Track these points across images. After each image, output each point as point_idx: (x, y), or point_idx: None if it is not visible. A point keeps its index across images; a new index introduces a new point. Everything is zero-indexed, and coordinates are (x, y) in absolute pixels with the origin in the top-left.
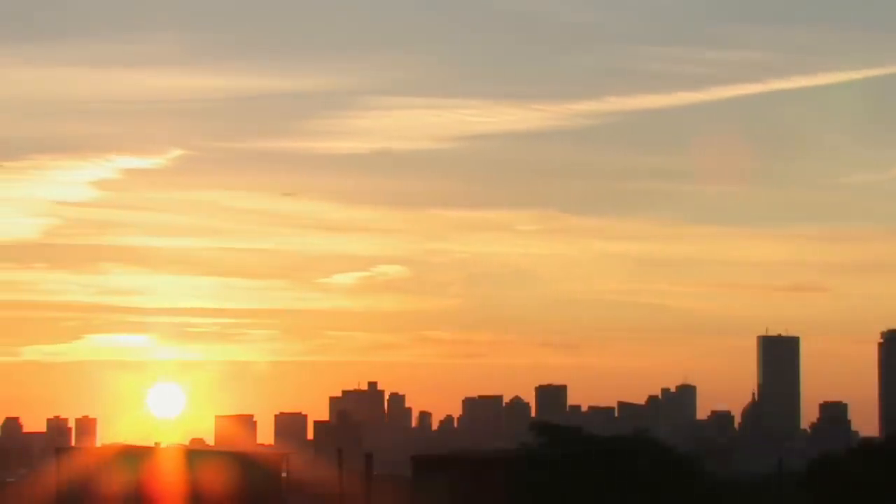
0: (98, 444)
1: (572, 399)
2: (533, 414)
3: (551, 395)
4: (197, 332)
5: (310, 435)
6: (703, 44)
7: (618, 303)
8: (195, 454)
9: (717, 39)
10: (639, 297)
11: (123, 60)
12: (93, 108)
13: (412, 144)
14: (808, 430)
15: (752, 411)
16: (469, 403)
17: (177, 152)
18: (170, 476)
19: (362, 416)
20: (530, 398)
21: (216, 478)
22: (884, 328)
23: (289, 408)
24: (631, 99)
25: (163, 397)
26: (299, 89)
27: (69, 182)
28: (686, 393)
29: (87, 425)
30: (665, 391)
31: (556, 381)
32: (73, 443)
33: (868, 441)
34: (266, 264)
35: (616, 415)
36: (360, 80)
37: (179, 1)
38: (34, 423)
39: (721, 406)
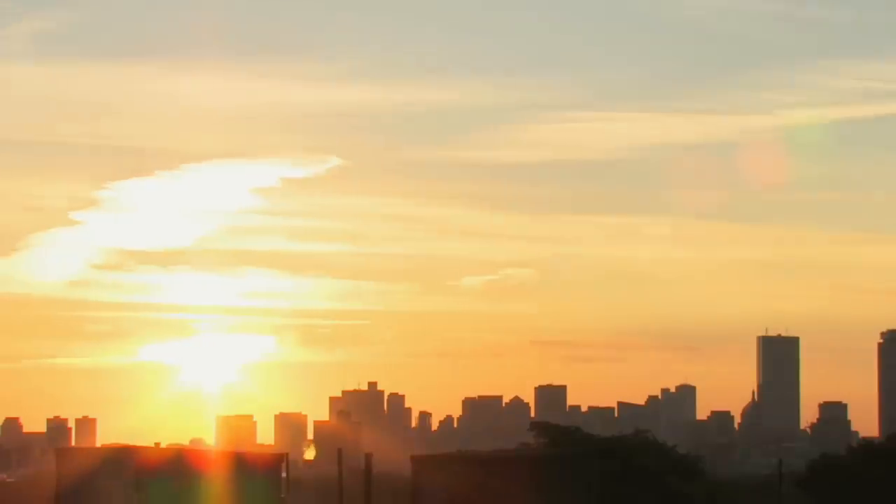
0: (98, 444)
1: (572, 399)
2: (532, 414)
3: (551, 395)
4: (322, 333)
5: (310, 435)
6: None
7: (737, 306)
8: (195, 454)
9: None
10: (758, 302)
11: (289, 74)
12: (258, 119)
13: (561, 155)
14: (808, 430)
15: (752, 411)
16: (469, 403)
17: (335, 161)
18: (169, 476)
19: (362, 416)
20: (530, 398)
21: (215, 478)
22: (884, 328)
23: (289, 408)
24: (789, 112)
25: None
26: (462, 103)
27: (229, 190)
28: (686, 393)
29: (86, 425)
30: (665, 391)
31: (556, 382)
32: (72, 443)
33: (868, 441)
34: (399, 268)
35: (616, 415)
36: (524, 95)
37: (350, 19)
38: (34, 423)
39: (721, 406)
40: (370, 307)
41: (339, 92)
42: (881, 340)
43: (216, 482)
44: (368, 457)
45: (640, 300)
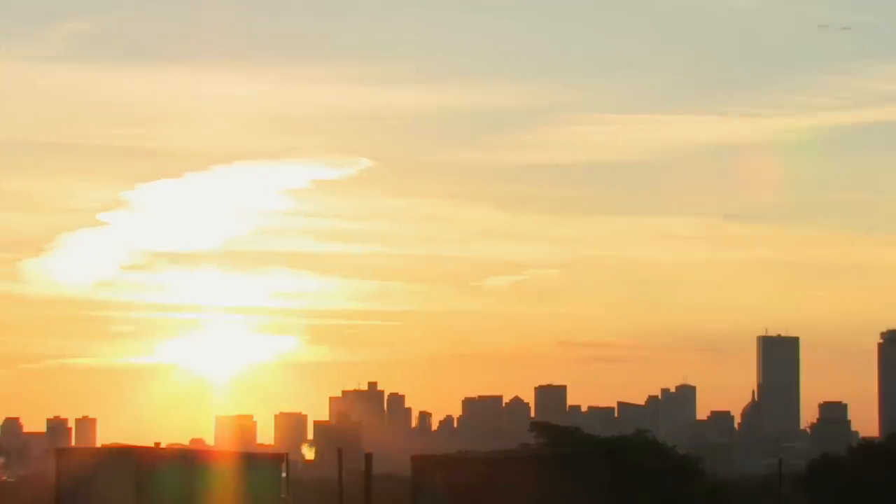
0: (98, 444)
1: (572, 399)
2: (532, 414)
3: (551, 395)
4: (348, 333)
5: (310, 435)
6: None
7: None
8: (196, 455)
9: None
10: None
11: (320, 77)
12: (288, 121)
13: (589, 157)
14: (808, 430)
15: (752, 411)
16: (469, 403)
17: (365, 163)
18: (169, 476)
19: (362, 416)
20: (530, 398)
21: (216, 478)
22: (884, 328)
23: (289, 408)
24: (833, 113)
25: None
26: (492, 106)
27: (259, 191)
28: (686, 393)
29: (87, 425)
30: (665, 391)
31: (556, 382)
32: (73, 443)
33: (868, 441)
34: (426, 268)
35: (616, 415)
36: (554, 98)
37: (383, 23)
38: (34, 423)
39: (721, 406)
40: (396, 307)
41: (370, 94)
42: (881, 340)
43: (221, 479)
44: (368, 457)
45: (666, 301)
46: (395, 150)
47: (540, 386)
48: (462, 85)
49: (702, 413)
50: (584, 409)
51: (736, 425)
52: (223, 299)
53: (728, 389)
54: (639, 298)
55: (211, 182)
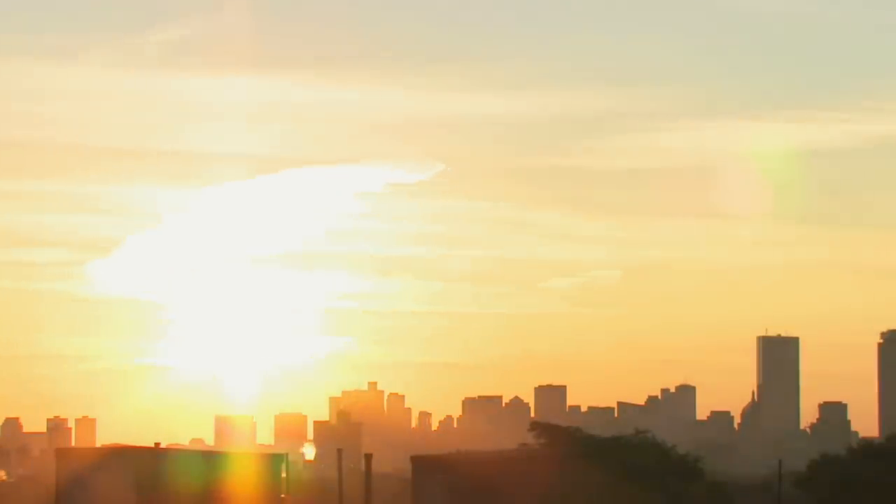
0: (98, 444)
1: (572, 399)
2: (532, 414)
3: (551, 395)
4: (404, 334)
5: (310, 435)
6: None
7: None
8: (196, 455)
9: None
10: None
11: (398, 82)
12: (368, 126)
13: (662, 163)
14: (808, 430)
15: (751, 411)
16: (469, 403)
17: (440, 167)
18: (169, 477)
19: (362, 416)
20: (530, 398)
21: (217, 478)
22: (884, 328)
23: (289, 408)
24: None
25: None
26: (566, 113)
27: (333, 194)
28: (686, 393)
29: (87, 425)
30: (665, 391)
31: (556, 382)
32: (73, 443)
33: (868, 441)
34: (490, 270)
35: (616, 415)
36: (628, 105)
37: (458, 31)
38: (34, 423)
39: (721, 406)
40: (459, 309)
41: (447, 100)
42: (881, 340)
43: (221, 478)
44: (368, 457)
45: (719, 302)
46: (470, 156)
47: (540, 386)
48: (534, 93)
49: (702, 413)
50: (584, 409)
51: (736, 425)
52: (284, 300)
53: (728, 389)
54: (695, 301)
55: (284, 185)
